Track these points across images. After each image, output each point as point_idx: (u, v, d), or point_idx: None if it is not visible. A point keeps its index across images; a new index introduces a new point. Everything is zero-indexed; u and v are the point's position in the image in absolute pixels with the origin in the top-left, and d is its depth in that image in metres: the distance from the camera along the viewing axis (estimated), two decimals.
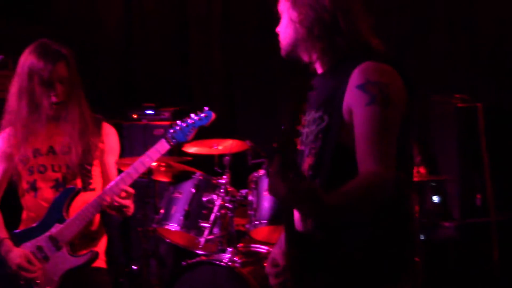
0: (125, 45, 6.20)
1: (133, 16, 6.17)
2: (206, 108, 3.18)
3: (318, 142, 2.02)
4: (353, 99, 1.91)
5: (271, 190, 1.80)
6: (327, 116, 2.00)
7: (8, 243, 3.07)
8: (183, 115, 3.41)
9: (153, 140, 5.10)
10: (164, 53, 6.05)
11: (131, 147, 5.49)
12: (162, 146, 3.09)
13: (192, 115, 3.16)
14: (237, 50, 5.76)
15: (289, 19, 2.13)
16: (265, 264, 2.51)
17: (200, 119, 3.16)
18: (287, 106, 1.70)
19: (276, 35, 2.26)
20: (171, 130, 3.13)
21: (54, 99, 3.04)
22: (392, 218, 1.98)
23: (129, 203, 3.06)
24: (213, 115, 3.16)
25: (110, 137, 3.29)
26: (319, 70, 2.18)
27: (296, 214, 2.11)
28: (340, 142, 1.95)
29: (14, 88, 3.11)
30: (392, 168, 1.85)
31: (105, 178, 3.25)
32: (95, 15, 6.22)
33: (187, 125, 3.14)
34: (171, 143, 3.10)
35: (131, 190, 3.03)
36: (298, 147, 2.24)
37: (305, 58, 2.18)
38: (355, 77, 1.93)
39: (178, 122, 3.15)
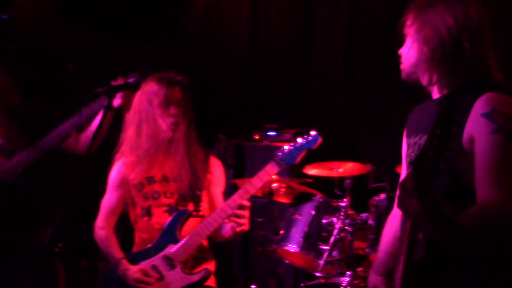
0: (250, 68, 6.32)
1: (259, 41, 6.30)
2: (313, 132, 3.21)
3: None
4: (476, 126, 1.91)
5: (402, 205, 1.80)
6: None
7: (125, 262, 3.20)
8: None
9: None
10: (288, 76, 6.10)
11: (252, 167, 5.60)
12: (272, 168, 3.16)
13: (300, 139, 3.20)
14: (359, 75, 5.75)
15: (415, 40, 2.14)
16: None
17: (308, 142, 3.19)
18: (432, 127, 1.75)
19: (398, 58, 2.26)
20: (279, 153, 3.19)
21: (171, 119, 3.19)
22: (503, 248, 1.96)
23: (246, 214, 3.10)
24: (319, 139, 3.19)
25: (216, 169, 3.41)
26: (435, 94, 2.18)
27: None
28: (455, 169, 1.94)
29: (131, 119, 3.28)
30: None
31: (212, 208, 3.35)
32: (222, 38, 6.40)
33: (295, 148, 3.18)
34: (281, 166, 3.16)
35: (246, 203, 3.09)
36: (405, 169, 2.30)
37: (425, 80, 2.17)
38: (480, 106, 1.93)
39: (286, 145, 3.22)
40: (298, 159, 3.19)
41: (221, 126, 5.77)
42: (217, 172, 3.42)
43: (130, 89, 3.12)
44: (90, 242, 3.85)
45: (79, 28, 5.41)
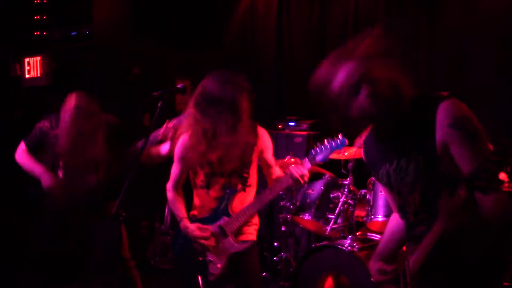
0: (276, 71, 6.37)
1: (283, 53, 6.30)
2: (340, 135, 3.18)
3: (421, 178, 2.07)
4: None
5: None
6: (421, 156, 2.06)
7: (187, 221, 3.33)
8: (317, 127, 3.23)
9: (293, 146, 5.26)
10: (304, 80, 5.92)
11: (276, 151, 5.12)
12: (306, 165, 3.18)
13: (330, 141, 3.19)
14: None
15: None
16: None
17: (337, 145, 3.18)
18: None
19: None
20: (313, 152, 3.19)
21: (228, 113, 3.12)
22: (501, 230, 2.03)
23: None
24: (346, 142, 3.17)
25: (264, 138, 3.39)
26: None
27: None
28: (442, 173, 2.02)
29: (192, 109, 3.20)
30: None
31: (268, 169, 3.42)
32: (255, 47, 6.53)
33: (326, 149, 3.17)
34: (313, 163, 3.18)
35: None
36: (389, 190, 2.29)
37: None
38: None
39: (318, 146, 3.21)
40: (328, 158, 3.17)
41: (253, 117, 5.79)
42: (264, 140, 3.39)
43: (180, 93, 3.20)
44: (149, 208, 4.32)
45: (144, 38, 5.49)
